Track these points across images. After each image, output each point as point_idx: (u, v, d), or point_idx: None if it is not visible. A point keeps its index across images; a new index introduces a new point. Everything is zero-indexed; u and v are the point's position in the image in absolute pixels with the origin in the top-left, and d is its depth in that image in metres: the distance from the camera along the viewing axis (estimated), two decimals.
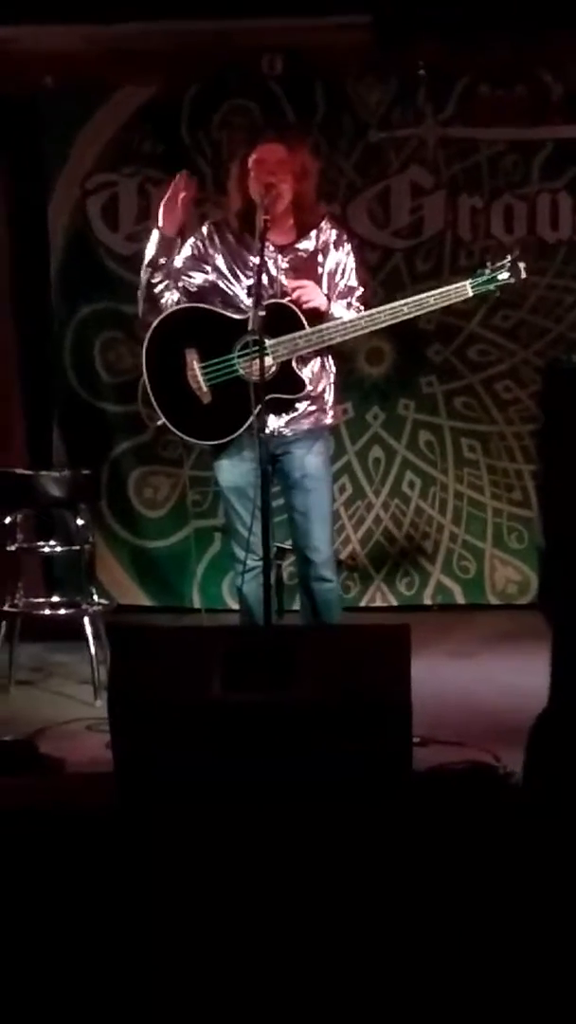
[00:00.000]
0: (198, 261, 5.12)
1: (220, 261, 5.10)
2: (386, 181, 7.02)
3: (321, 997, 3.06)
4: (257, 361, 4.81)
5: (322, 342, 5.01)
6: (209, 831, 3.82)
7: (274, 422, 5.01)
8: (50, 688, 5.93)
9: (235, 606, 5.81)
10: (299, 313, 4.98)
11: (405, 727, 4.01)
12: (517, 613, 6.90)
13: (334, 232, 5.16)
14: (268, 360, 4.86)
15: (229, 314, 5.05)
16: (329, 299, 5.05)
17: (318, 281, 5.05)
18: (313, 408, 5.12)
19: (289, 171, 5.01)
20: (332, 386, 5.17)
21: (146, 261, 5.12)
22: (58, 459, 7.03)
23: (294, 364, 5.02)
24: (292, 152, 5.05)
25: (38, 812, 4.10)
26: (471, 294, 5.11)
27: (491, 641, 6.51)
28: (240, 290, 5.06)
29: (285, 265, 5.08)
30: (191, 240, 5.15)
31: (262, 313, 4.83)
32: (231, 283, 5.09)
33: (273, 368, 4.93)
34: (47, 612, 6.04)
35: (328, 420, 5.19)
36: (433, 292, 5.14)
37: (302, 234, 5.13)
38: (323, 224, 5.16)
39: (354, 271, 5.16)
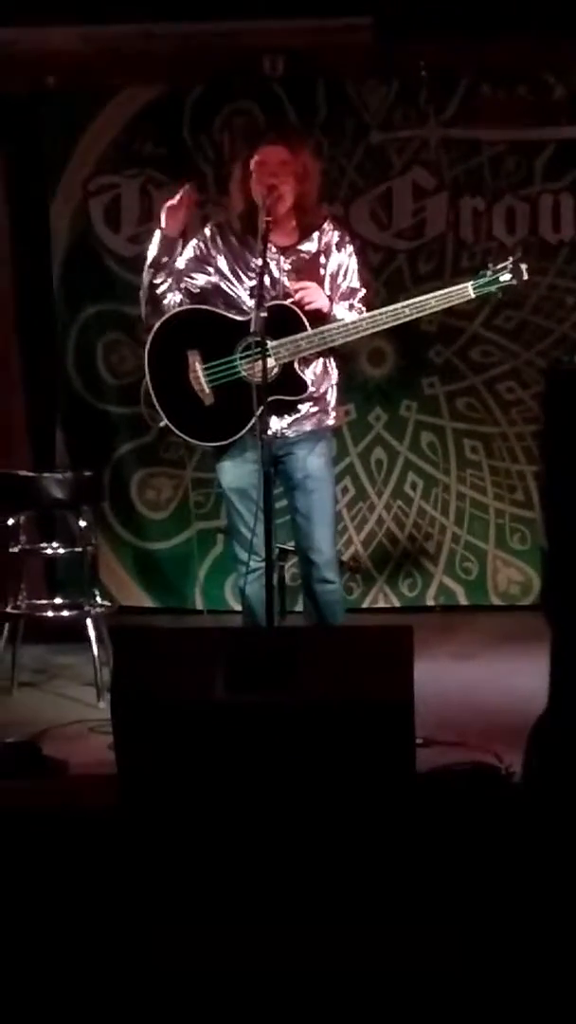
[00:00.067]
0: (200, 262, 5.12)
1: (222, 263, 5.10)
2: (388, 182, 7.02)
3: (325, 1003, 3.06)
4: (259, 362, 4.80)
5: (324, 343, 5.00)
6: (211, 832, 3.82)
7: (276, 423, 5.01)
8: (53, 690, 5.93)
9: (237, 607, 5.80)
10: (301, 315, 4.97)
11: (408, 728, 4.01)
12: (520, 614, 6.89)
13: (336, 233, 5.16)
14: (270, 361, 4.85)
15: (231, 316, 5.05)
16: (331, 300, 5.05)
17: (320, 283, 5.05)
18: (315, 409, 5.12)
19: (291, 173, 5.01)
20: (334, 387, 5.17)
21: (148, 261, 5.11)
22: (61, 461, 7.03)
23: (296, 366, 5.01)
24: (294, 154, 5.05)
25: (41, 814, 4.11)
26: (473, 296, 5.11)
27: (494, 642, 6.50)
28: (242, 291, 5.06)
29: (287, 267, 5.08)
30: (193, 241, 5.14)
31: (264, 315, 4.82)
32: (233, 285, 5.08)
33: (275, 369, 4.92)
34: (50, 614, 6.03)
35: (330, 421, 5.19)
36: (435, 294, 5.14)
37: (304, 236, 5.13)
38: (325, 226, 5.16)
39: (356, 272, 5.16)
